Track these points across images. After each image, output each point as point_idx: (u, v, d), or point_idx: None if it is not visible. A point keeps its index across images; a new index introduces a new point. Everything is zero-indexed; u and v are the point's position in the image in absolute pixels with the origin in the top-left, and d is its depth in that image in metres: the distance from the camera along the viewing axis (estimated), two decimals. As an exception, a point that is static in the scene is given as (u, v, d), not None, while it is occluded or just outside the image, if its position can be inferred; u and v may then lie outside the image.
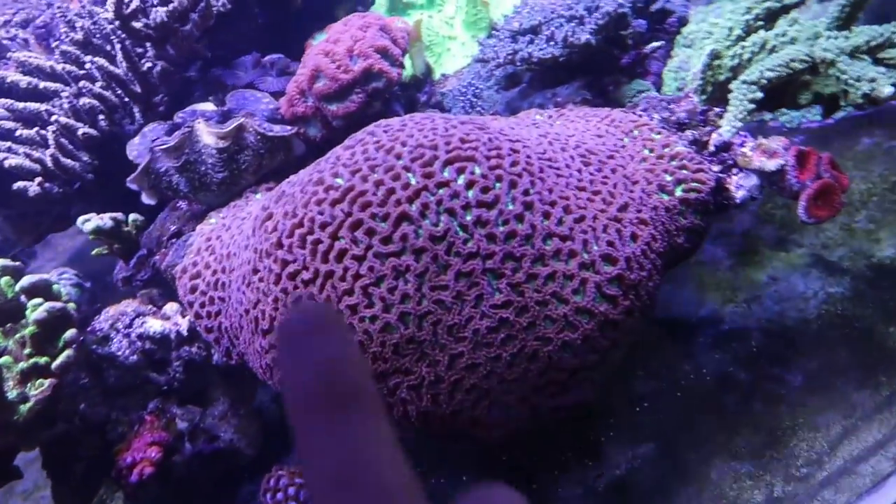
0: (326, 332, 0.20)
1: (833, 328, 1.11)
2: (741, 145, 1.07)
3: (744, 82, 0.88)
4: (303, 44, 1.51)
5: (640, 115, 1.17)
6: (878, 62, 0.92)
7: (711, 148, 1.08)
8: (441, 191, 0.87)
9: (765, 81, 0.88)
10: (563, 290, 0.85)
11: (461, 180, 0.89)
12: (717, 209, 1.06)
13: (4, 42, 1.52)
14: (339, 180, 0.92)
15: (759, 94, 0.89)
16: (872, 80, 0.85)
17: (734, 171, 1.06)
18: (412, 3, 1.66)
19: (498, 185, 0.89)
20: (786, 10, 1.07)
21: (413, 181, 0.89)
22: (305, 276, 0.89)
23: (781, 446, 1.01)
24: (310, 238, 0.89)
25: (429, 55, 1.58)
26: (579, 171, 0.99)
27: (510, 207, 0.88)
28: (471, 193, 0.87)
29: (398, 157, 0.91)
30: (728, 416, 1.06)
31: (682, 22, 1.32)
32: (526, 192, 0.89)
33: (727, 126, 0.89)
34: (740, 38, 1.07)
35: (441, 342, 0.84)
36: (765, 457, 1.01)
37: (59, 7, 1.44)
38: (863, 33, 0.93)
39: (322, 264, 0.88)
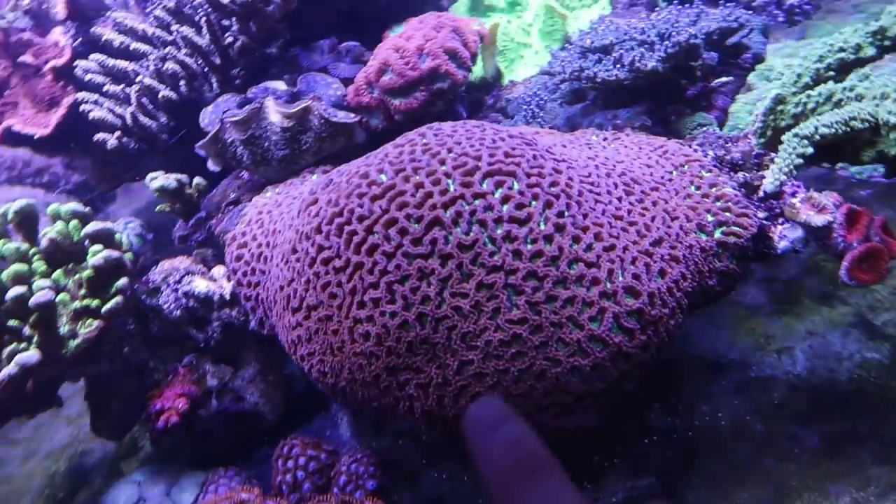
0: (509, 418, 0.25)
1: (862, 395, 1.08)
2: (792, 195, 1.05)
3: (796, 135, 0.87)
4: (381, 34, 1.56)
5: (696, 150, 1.16)
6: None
7: (761, 193, 1.07)
8: (477, 201, 0.90)
9: (818, 137, 0.87)
10: (580, 315, 0.87)
11: (498, 194, 0.91)
12: (757, 256, 1.04)
13: (107, 0, 1.62)
14: (382, 176, 0.96)
15: (810, 150, 0.87)
16: (933, 152, 0.82)
17: (780, 220, 1.04)
18: (493, 5, 1.68)
19: (534, 203, 0.91)
20: (860, 63, 1.04)
21: (452, 188, 0.91)
22: (337, 263, 0.93)
23: (787, 505, 1.00)
24: (347, 228, 0.93)
25: (501, 60, 1.59)
26: (619, 199, 0.99)
27: (541, 227, 0.89)
28: (505, 208, 0.90)
29: (442, 162, 0.94)
30: (737, 465, 1.05)
31: (758, 59, 1.30)
32: (560, 214, 0.91)
33: (771, 178, 0.88)
34: (807, 87, 1.05)
35: (453, 347, 0.87)
36: (768, 512, 1.00)
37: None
38: (935, 100, 0.90)
39: (354, 255, 0.92)
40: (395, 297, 0.88)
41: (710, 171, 1.08)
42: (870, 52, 1.03)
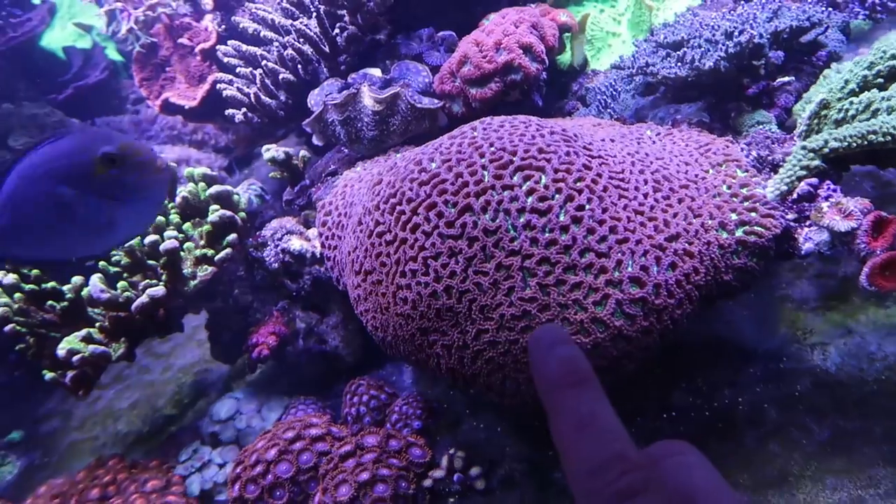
0: (567, 340, 0.31)
1: (885, 396, 1.11)
2: (825, 198, 1.08)
3: (804, 147, 0.92)
4: (481, 18, 1.69)
5: (742, 148, 1.21)
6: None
7: (795, 195, 1.11)
8: (505, 192, 1.04)
9: (827, 151, 0.91)
10: (585, 299, 0.99)
11: (525, 186, 1.04)
12: (780, 256, 1.10)
13: (248, -12, 1.88)
14: (432, 165, 1.12)
15: (817, 162, 0.92)
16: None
17: (808, 222, 1.08)
18: (588, -7, 1.75)
19: (557, 196, 1.03)
20: (912, 73, 1.04)
21: (486, 179, 1.06)
22: (388, 237, 1.11)
23: (784, 491, 1.07)
24: (398, 208, 1.11)
25: (588, 49, 1.67)
26: (646, 195, 1.08)
27: (560, 219, 1.02)
28: (529, 200, 1.03)
29: (482, 155, 1.08)
30: (744, 448, 1.13)
31: (833, 57, 1.30)
32: (579, 208, 1.02)
33: (772, 187, 0.94)
34: (853, 93, 1.07)
35: (473, 317, 1.02)
36: (764, 495, 1.07)
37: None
38: (964, 117, 0.91)
39: (400, 231, 1.09)
40: (428, 269, 1.05)
41: (746, 171, 1.13)
42: (921, 62, 1.03)
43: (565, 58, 1.68)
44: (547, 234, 1.01)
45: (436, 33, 1.68)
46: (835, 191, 1.09)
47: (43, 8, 2.59)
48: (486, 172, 1.06)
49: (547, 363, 0.28)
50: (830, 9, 1.35)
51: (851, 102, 1.04)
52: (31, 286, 1.33)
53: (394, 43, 1.69)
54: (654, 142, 1.26)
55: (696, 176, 1.14)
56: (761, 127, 1.26)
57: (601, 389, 0.28)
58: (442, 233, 1.05)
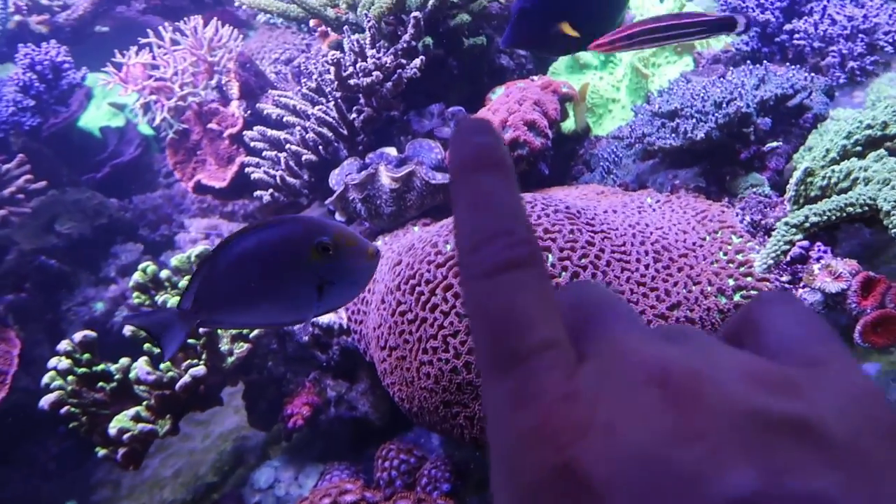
0: (491, 131, 0.25)
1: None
2: (817, 260, 1.16)
3: (786, 223, 1.00)
4: (490, 89, 1.81)
5: (737, 213, 1.29)
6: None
7: (788, 258, 1.18)
8: (515, 272, 1.12)
9: (808, 225, 0.99)
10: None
11: (533, 265, 1.13)
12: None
13: (271, 75, 2.02)
14: (447, 247, 1.21)
15: (800, 237, 0.99)
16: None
17: (802, 283, 1.15)
18: (588, 63, 1.85)
19: (563, 274, 1.12)
20: (887, 139, 1.12)
21: (497, 260, 1.15)
22: (409, 316, 1.20)
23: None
24: (417, 289, 1.20)
25: (590, 115, 1.77)
26: (647, 266, 1.17)
27: (566, 294, 1.10)
28: (537, 278, 1.11)
29: (492, 237, 1.18)
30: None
31: (819, 118, 1.38)
32: (584, 283, 1.11)
33: (759, 262, 1.01)
34: (834, 161, 1.15)
35: (490, 388, 1.10)
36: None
37: (306, 56, 1.89)
38: (935, 187, 0.98)
39: (421, 311, 1.18)
40: (448, 347, 1.14)
41: (740, 237, 1.21)
42: (894, 129, 1.11)
43: (569, 124, 1.78)
44: (555, 310, 1.09)
45: (446, 109, 1.79)
46: (825, 252, 1.16)
47: (80, 93, 2.77)
48: (496, 253, 1.15)
49: (463, 148, 0.24)
50: (813, 74, 1.44)
51: (833, 171, 1.12)
52: (83, 369, 1.44)
53: (407, 119, 1.81)
54: (654, 209, 1.35)
55: (694, 244, 1.22)
56: (755, 190, 1.34)
57: (513, 178, 0.24)
58: (459, 312, 1.14)
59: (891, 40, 1.38)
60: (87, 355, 1.45)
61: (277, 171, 1.76)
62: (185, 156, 2.04)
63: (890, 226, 0.97)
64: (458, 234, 0.23)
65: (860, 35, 1.39)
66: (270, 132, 1.82)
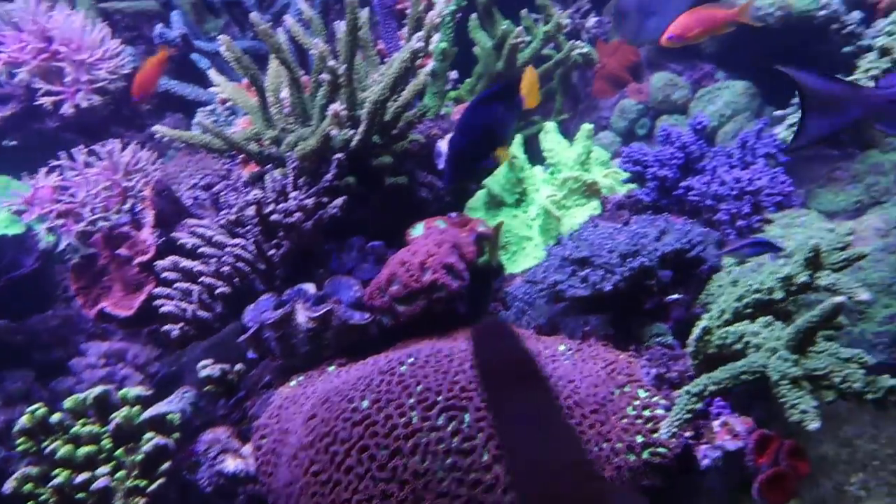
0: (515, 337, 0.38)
1: None
2: (716, 416, 1.22)
3: (688, 392, 1.05)
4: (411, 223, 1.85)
5: (643, 365, 1.34)
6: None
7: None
8: (432, 434, 1.12)
9: (707, 394, 1.04)
10: (510, 536, 1.06)
11: (450, 427, 1.13)
12: (682, 471, 1.20)
13: (188, 200, 2.00)
14: (364, 403, 1.20)
15: (700, 405, 1.05)
16: (803, 413, 0.98)
17: (703, 440, 1.20)
18: (504, 201, 1.94)
19: (479, 435, 1.12)
20: (774, 303, 1.22)
21: (414, 420, 1.14)
22: (323, 477, 1.17)
23: None
24: (332, 448, 1.17)
25: (504, 253, 1.84)
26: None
27: (483, 459, 1.10)
28: (455, 441, 1.11)
29: (409, 395, 1.17)
30: None
31: (713, 269, 1.48)
32: (500, 447, 1.11)
33: (665, 428, 1.06)
34: (728, 322, 1.23)
35: (406, 558, 1.07)
36: None
37: (226, 184, 1.89)
38: (820, 359, 1.06)
39: (335, 472, 1.15)
40: (362, 512, 1.10)
41: (647, 391, 1.26)
42: (779, 295, 1.21)
43: (485, 259, 1.83)
44: (472, 475, 1.09)
45: (366, 244, 1.81)
46: (724, 408, 1.22)
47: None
48: (414, 414, 1.15)
49: (492, 355, 0.32)
50: (708, 228, 1.55)
51: (728, 332, 1.20)
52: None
53: (326, 251, 1.81)
54: (566, 358, 1.39)
55: (605, 398, 1.26)
56: (659, 339, 1.41)
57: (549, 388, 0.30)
58: (374, 476, 1.11)
59: (773, 202, 1.53)
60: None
61: (189, 303, 1.71)
62: (89, 280, 1.96)
63: (778, 395, 1.03)
64: None
65: (746, 196, 1.53)
66: (184, 262, 1.78)
